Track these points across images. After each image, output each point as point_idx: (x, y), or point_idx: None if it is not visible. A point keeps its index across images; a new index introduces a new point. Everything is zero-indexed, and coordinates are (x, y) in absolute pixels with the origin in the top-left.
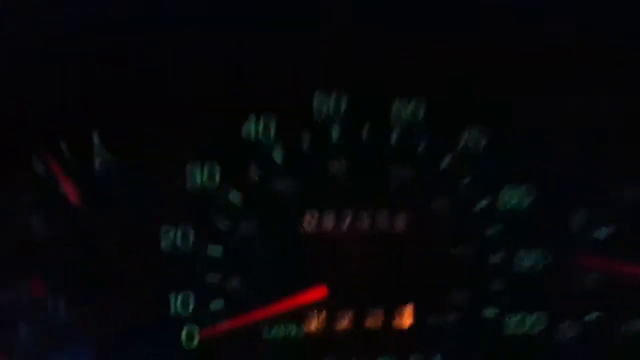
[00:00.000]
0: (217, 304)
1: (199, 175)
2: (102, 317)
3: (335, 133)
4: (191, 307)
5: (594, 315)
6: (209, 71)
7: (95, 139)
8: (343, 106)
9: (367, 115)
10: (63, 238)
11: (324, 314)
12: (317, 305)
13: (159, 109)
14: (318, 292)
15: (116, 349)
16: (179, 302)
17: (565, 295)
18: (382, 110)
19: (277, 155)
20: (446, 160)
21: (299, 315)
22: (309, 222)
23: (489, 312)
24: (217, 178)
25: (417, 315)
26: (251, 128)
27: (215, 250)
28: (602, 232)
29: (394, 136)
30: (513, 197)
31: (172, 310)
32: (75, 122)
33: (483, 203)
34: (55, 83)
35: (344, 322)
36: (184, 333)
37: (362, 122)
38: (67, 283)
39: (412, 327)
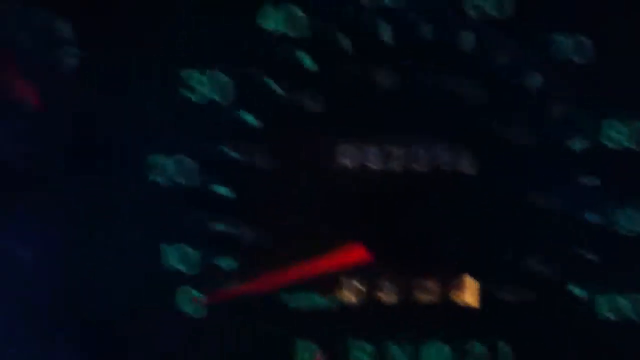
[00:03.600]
0: (225, 262)
1: (202, 87)
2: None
3: (385, 31)
4: (191, 263)
5: None
6: None
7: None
8: None
9: (429, 7)
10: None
11: (360, 282)
12: (353, 271)
13: None
14: (354, 254)
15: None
16: (174, 256)
17: None
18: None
19: (306, 60)
20: (534, 78)
21: (330, 282)
22: (345, 155)
23: (577, 291)
24: (228, 91)
25: (482, 289)
26: (270, 19)
27: (222, 190)
28: None
29: (467, 39)
30: (621, 132)
31: (166, 265)
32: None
33: (580, 140)
34: None
35: (386, 294)
36: (181, 295)
37: (422, 16)
38: None
39: (473, 305)
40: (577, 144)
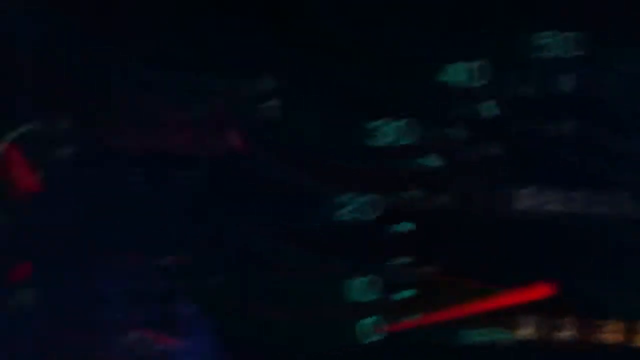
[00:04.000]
0: (404, 294)
1: (389, 131)
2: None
3: (568, 81)
4: (372, 295)
5: None
6: None
7: None
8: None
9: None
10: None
11: (542, 319)
12: (534, 307)
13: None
14: (538, 290)
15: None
16: (357, 288)
17: None
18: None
19: (488, 106)
20: None
21: (509, 318)
22: (525, 198)
23: None
24: (408, 135)
25: None
26: (457, 73)
27: (404, 227)
28: None
29: None
30: None
31: (349, 297)
32: None
33: None
34: None
35: (569, 332)
36: (361, 325)
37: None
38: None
39: None
40: None
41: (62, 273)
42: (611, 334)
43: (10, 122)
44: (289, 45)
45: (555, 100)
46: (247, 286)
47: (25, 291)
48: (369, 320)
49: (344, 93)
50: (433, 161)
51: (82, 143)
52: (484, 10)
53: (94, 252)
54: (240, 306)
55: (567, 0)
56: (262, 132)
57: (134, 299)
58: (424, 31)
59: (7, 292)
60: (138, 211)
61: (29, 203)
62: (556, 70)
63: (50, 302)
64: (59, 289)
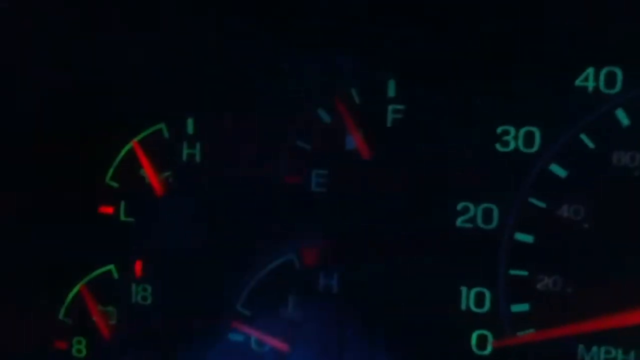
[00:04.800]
0: (520, 307)
1: (515, 141)
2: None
3: None
4: (487, 306)
5: None
6: None
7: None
8: None
9: None
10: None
11: None
12: None
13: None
14: None
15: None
16: (472, 298)
17: None
18: None
19: (620, 115)
20: None
21: (627, 336)
22: None
23: None
24: (537, 142)
25: None
26: (587, 81)
27: (524, 237)
28: None
29: None
30: None
31: (463, 307)
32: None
33: None
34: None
35: None
36: (474, 336)
37: None
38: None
39: None
40: None
41: (180, 271)
42: None
43: (139, 123)
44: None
45: None
46: (368, 288)
47: (144, 288)
48: (481, 332)
49: (473, 96)
50: (559, 170)
51: (205, 146)
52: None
53: (212, 251)
54: (358, 307)
55: None
56: (387, 137)
57: (246, 297)
58: (561, 38)
59: (127, 288)
60: (262, 210)
61: (153, 203)
62: None
63: (165, 299)
64: (175, 287)
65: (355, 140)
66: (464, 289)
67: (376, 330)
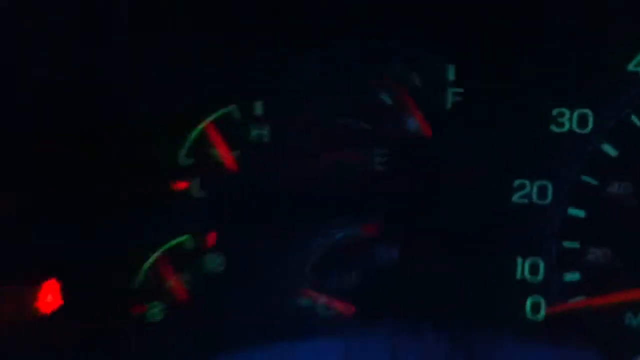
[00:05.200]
0: (572, 276)
1: (569, 122)
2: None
3: None
4: (541, 275)
5: None
6: None
7: None
8: None
9: None
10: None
11: None
12: None
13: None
14: None
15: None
16: (527, 267)
17: None
18: None
19: None
20: None
21: None
22: None
23: None
24: (590, 123)
25: None
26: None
27: (576, 212)
28: None
29: None
30: None
31: (519, 276)
32: None
33: None
34: None
35: None
36: (529, 303)
37: None
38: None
39: None
40: None
41: (251, 241)
42: None
43: (212, 105)
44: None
45: None
46: (426, 260)
47: (217, 257)
48: (535, 299)
49: (530, 79)
50: (610, 149)
51: (274, 126)
52: None
53: (281, 223)
54: (417, 277)
55: None
56: (447, 120)
57: (312, 265)
58: (616, 24)
59: (201, 257)
60: (324, 188)
61: (225, 179)
62: None
63: (236, 267)
64: (246, 256)
65: (417, 121)
66: (519, 260)
67: (435, 298)
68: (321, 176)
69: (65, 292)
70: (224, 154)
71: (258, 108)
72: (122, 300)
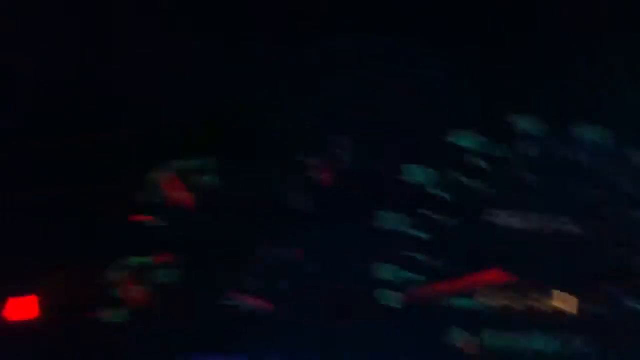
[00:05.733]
0: (416, 277)
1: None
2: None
3: None
4: (397, 276)
5: None
6: None
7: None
8: None
9: None
10: None
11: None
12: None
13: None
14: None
15: None
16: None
17: None
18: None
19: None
20: None
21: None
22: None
23: None
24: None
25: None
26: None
27: (421, 235)
28: None
29: None
30: None
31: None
32: None
33: None
34: None
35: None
36: (389, 295)
37: None
38: None
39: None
40: None
41: (202, 260)
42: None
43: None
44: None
45: None
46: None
47: (172, 271)
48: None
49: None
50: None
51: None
52: None
53: (226, 246)
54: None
55: None
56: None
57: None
58: None
59: (160, 271)
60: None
61: (182, 212)
62: None
63: (188, 280)
64: (197, 271)
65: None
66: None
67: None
68: (253, 213)
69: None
70: (183, 196)
71: (212, 164)
72: (90, 305)
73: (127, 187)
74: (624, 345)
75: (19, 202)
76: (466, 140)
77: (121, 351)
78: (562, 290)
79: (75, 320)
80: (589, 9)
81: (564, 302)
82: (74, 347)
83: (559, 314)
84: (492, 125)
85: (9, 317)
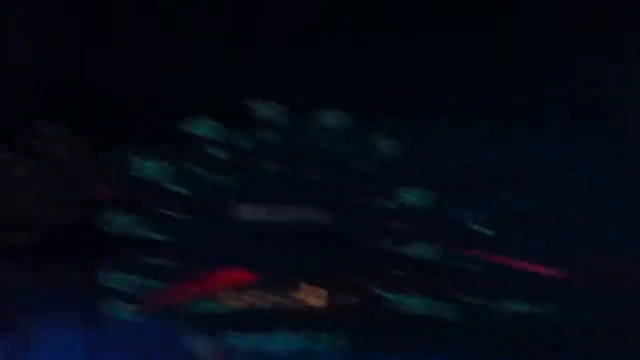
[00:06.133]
0: (152, 283)
1: (149, 169)
2: None
3: None
4: (125, 283)
5: None
6: None
7: None
8: None
9: None
10: None
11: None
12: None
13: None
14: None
15: None
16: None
17: None
18: None
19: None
20: None
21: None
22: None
23: None
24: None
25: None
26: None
27: (156, 236)
28: None
29: None
30: None
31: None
32: None
33: None
34: None
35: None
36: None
37: None
38: None
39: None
40: None
41: None
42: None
43: None
44: None
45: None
46: None
47: None
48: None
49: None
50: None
51: None
52: None
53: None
54: None
55: None
56: None
57: None
58: None
59: None
60: None
61: None
62: None
63: None
64: None
65: None
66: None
67: None
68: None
69: None
70: None
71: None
72: None
73: None
74: (376, 337)
75: None
76: (202, 128)
77: None
78: (311, 283)
79: None
80: None
81: (313, 296)
82: None
83: (308, 308)
84: (231, 111)
85: None
